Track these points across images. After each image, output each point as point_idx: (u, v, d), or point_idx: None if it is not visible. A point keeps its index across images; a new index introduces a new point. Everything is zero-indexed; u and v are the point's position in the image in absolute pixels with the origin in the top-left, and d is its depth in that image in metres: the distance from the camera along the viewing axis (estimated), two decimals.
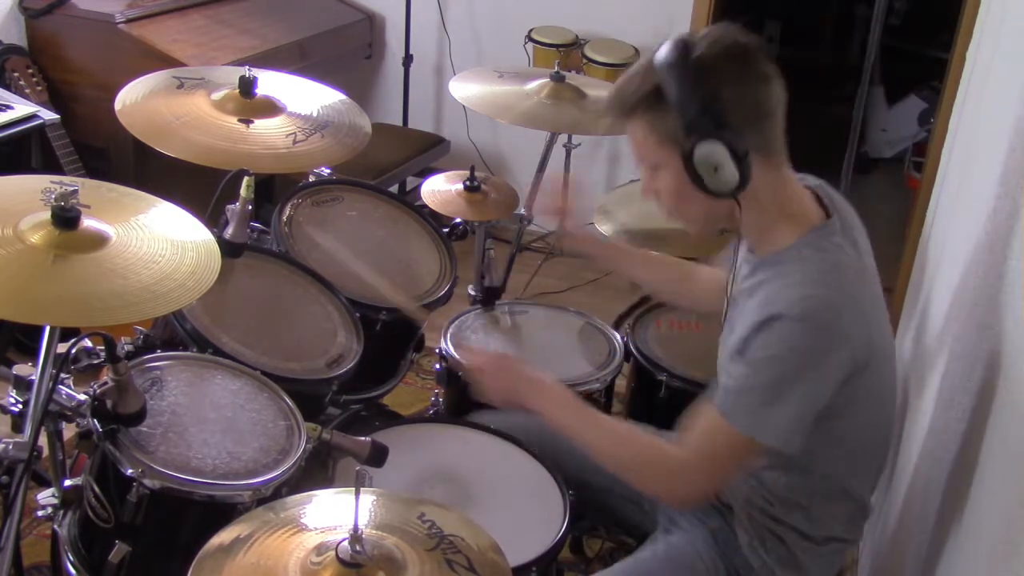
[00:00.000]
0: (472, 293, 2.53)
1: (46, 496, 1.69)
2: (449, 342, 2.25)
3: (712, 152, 1.41)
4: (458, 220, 2.45)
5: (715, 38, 1.46)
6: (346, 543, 1.21)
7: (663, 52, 1.46)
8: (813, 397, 1.47)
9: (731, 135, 1.42)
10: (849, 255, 1.55)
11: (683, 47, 1.45)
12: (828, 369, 1.46)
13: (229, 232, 1.91)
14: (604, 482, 1.85)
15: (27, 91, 3.07)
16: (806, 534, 1.66)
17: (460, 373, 1.70)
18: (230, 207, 1.92)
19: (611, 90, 1.58)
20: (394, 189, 3.90)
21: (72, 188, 1.46)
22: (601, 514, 1.78)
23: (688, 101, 1.42)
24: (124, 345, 1.74)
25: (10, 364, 1.63)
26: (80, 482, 1.66)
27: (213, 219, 1.86)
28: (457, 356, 1.68)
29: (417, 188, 2.60)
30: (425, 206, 2.44)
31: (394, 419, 2.16)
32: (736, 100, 1.44)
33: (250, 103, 2.06)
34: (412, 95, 4.26)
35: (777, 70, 1.49)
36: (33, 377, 1.56)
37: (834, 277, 1.50)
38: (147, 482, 1.54)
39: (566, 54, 3.77)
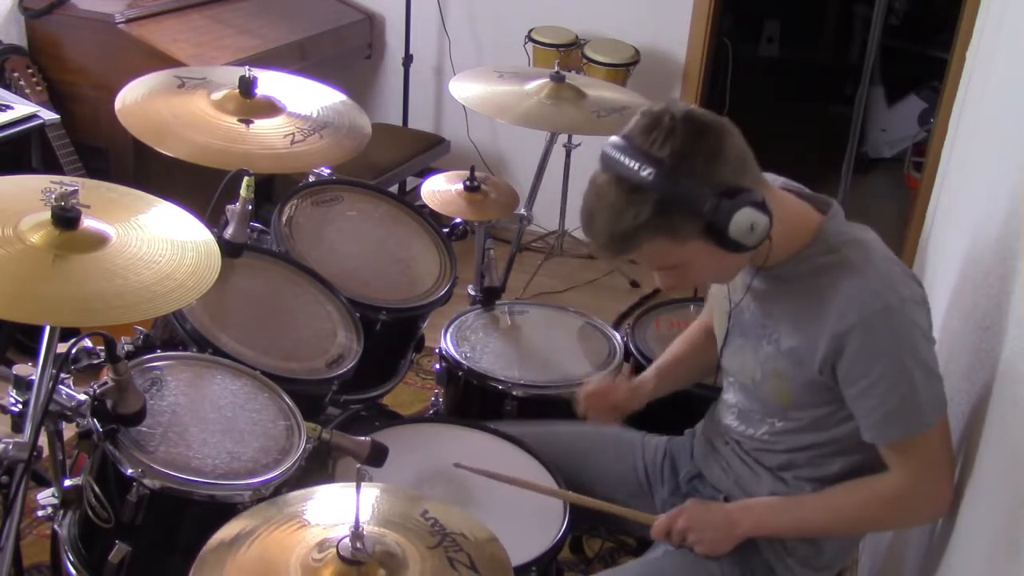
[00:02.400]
0: (472, 293, 2.53)
1: (46, 496, 1.69)
2: (450, 342, 2.25)
3: (743, 218, 1.42)
4: (458, 220, 2.45)
5: (666, 129, 1.42)
6: (347, 540, 1.21)
7: (643, 171, 1.40)
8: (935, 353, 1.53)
9: (746, 194, 1.43)
10: (860, 226, 1.59)
11: (649, 156, 1.40)
12: (928, 322, 1.52)
13: (229, 232, 1.92)
14: (603, 484, 1.85)
15: (27, 91, 3.07)
16: None
17: (658, 539, 1.69)
18: (230, 207, 1.92)
19: (597, 235, 1.48)
20: (394, 189, 3.89)
21: (72, 188, 1.46)
22: (602, 515, 1.78)
23: (700, 195, 1.41)
24: (124, 345, 1.74)
25: (10, 364, 1.63)
26: (80, 482, 1.66)
27: (213, 219, 1.86)
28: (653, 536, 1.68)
29: (417, 188, 2.60)
30: (425, 206, 2.44)
31: (394, 419, 2.16)
32: (729, 163, 1.44)
33: (250, 103, 2.06)
34: (412, 95, 4.26)
35: (715, 114, 1.47)
36: (33, 377, 1.56)
37: (879, 253, 1.53)
38: (147, 482, 1.54)
39: (566, 54, 3.77)
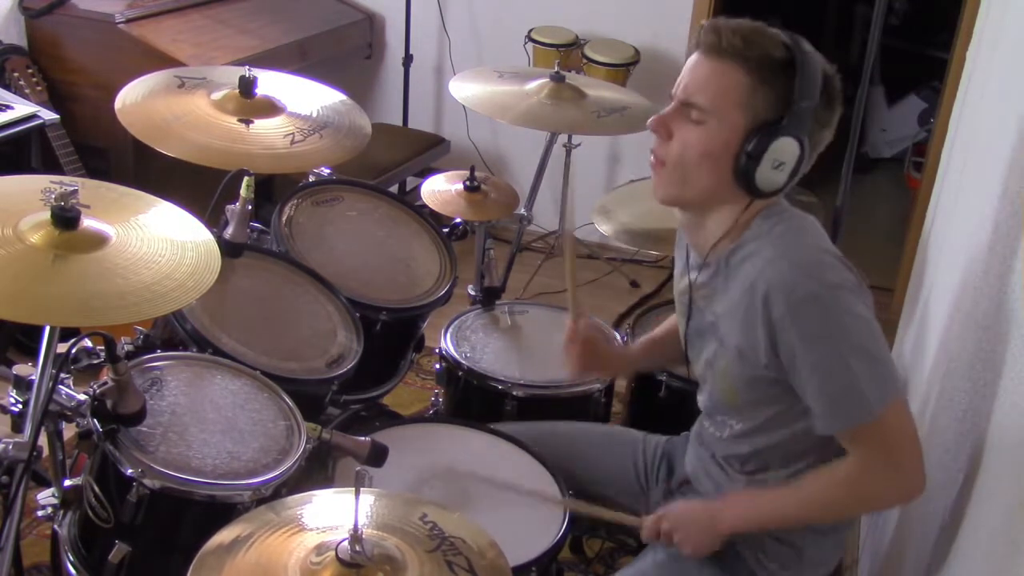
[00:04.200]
0: (472, 293, 2.53)
1: (46, 496, 1.69)
2: (450, 342, 2.25)
3: (787, 147, 1.42)
4: (458, 220, 2.45)
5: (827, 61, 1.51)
6: (346, 543, 1.21)
7: (805, 43, 1.48)
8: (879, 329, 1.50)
9: (808, 145, 1.45)
10: (798, 213, 1.58)
11: (815, 51, 1.47)
12: (865, 307, 1.49)
13: (229, 232, 1.91)
14: (598, 481, 1.85)
15: (27, 91, 3.07)
16: (813, 527, 1.66)
17: (647, 540, 1.69)
18: (230, 207, 1.92)
19: (729, 23, 1.49)
20: (394, 189, 3.89)
21: (72, 188, 1.47)
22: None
23: (808, 95, 1.44)
24: (124, 345, 1.74)
25: (10, 364, 1.63)
26: (80, 482, 1.66)
27: (213, 219, 1.86)
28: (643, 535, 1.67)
29: (417, 188, 2.60)
30: (425, 206, 2.44)
31: (394, 419, 2.16)
32: (828, 116, 1.49)
33: (250, 103, 2.06)
34: (412, 95, 4.26)
35: None
36: (33, 377, 1.56)
37: (808, 240, 1.52)
38: (147, 482, 1.54)
39: (566, 54, 3.77)
